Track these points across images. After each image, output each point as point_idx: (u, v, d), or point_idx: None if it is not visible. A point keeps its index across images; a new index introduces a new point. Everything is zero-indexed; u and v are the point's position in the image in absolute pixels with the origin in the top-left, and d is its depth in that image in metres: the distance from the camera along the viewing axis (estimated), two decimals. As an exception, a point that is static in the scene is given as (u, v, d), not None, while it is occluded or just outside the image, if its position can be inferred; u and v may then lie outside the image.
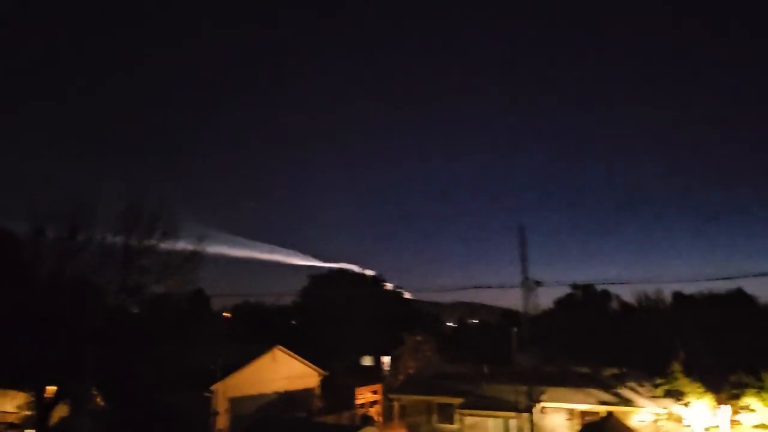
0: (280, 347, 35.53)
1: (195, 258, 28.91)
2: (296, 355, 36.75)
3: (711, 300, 54.97)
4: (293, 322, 63.54)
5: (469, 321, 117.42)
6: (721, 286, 58.11)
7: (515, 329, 35.75)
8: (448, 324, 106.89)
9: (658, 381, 25.66)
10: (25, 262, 28.32)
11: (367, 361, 59.97)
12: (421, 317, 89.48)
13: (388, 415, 35.25)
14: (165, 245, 28.54)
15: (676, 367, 24.90)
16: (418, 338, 42.88)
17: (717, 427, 23.09)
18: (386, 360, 47.28)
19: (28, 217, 26.85)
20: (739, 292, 60.74)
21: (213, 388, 30.38)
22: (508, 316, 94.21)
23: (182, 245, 29.16)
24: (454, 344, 48.20)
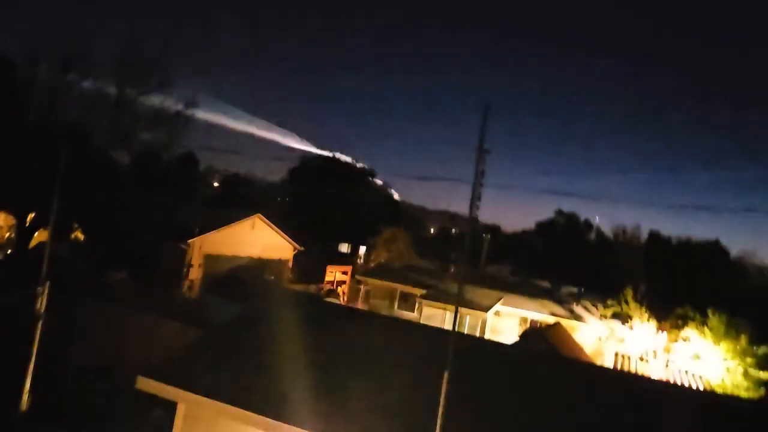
0: (260, 216, 36.51)
1: (186, 113, 29.10)
2: (275, 227, 37.84)
3: (685, 245, 56.37)
4: (278, 199, 64.50)
5: (452, 229, 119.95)
6: (701, 235, 59.48)
7: (488, 236, 36.84)
8: (432, 230, 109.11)
9: (609, 302, 26.91)
10: (19, 88, 28.29)
11: (344, 248, 61.66)
12: (404, 217, 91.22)
13: (353, 295, 36.86)
14: (158, 96, 28.67)
15: (628, 292, 26.05)
16: (394, 231, 44.02)
17: (653, 351, 24.56)
18: (362, 249, 48.78)
19: (23, 44, 26.63)
20: (716, 244, 62.13)
21: (190, 241, 31.49)
22: (489, 230, 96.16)
23: (175, 101, 29.32)
24: (428, 244, 49.57)
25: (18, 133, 25.34)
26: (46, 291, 13.89)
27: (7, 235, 29.75)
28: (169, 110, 28.92)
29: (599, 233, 67.66)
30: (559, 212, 79.94)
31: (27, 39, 26.54)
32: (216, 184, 75.44)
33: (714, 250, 59.32)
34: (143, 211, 28.71)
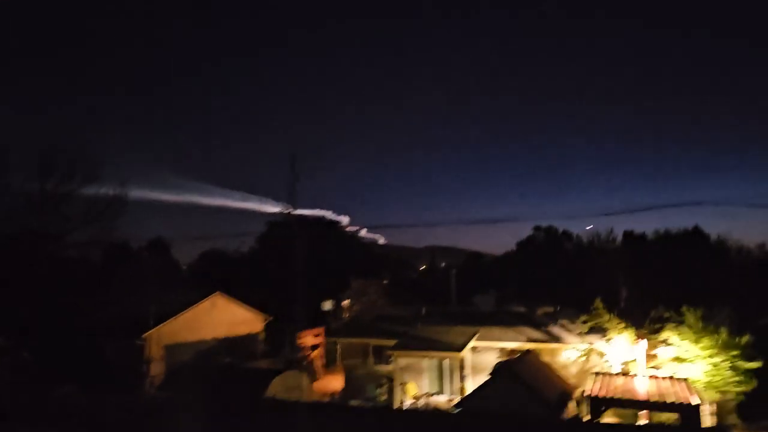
0: (220, 293, 35.21)
1: (118, 203, 28.09)
2: (238, 301, 36.50)
3: (663, 239, 55.63)
4: (250, 269, 62.99)
5: (441, 263, 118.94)
6: (678, 225, 58.82)
7: (454, 271, 35.76)
8: (421, 268, 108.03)
9: (584, 318, 25.75)
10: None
11: (327, 305, 59.92)
12: (388, 262, 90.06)
13: (331, 357, 35.27)
14: (87, 190, 27.73)
15: (598, 303, 24.93)
16: (363, 282, 42.79)
17: (634, 360, 23.30)
18: (328, 304, 47.32)
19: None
20: (695, 231, 61.46)
21: (145, 335, 30.03)
22: (474, 257, 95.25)
23: (108, 192, 28.35)
24: (402, 288, 48.34)
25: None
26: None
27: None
28: (98, 205, 27.93)
29: (579, 242, 66.73)
30: (537, 228, 79.39)
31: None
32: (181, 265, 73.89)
33: (693, 238, 58.72)
34: (86, 311, 27.38)
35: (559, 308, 31.19)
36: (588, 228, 70.56)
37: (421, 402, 27.24)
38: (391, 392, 28.15)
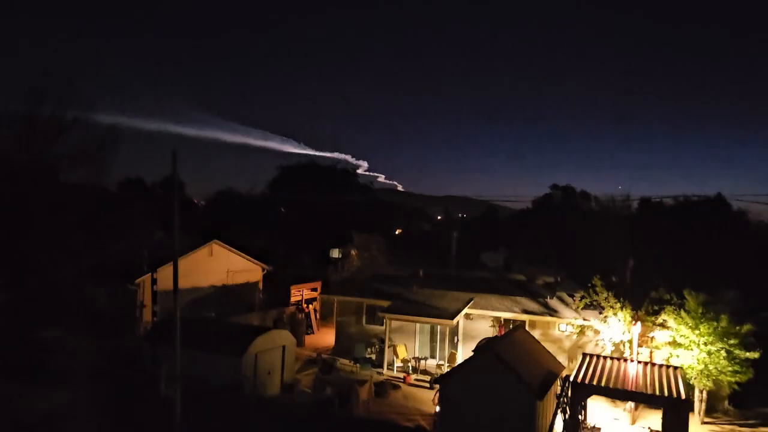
0: (218, 241, 34.88)
1: (110, 145, 27.24)
2: (237, 250, 36.19)
3: (682, 206, 53.79)
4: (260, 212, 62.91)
5: (459, 215, 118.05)
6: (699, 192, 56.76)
7: (455, 234, 34.88)
8: (437, 217, 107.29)
9: (581, 293, 24.87)
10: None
11: (335, 253, 59.81)
12: (402, 211, 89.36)
13: (328, 310, 35.13)
14: (79, 128, 26.82)
15: (596, 281, 23.97)
16: (366, 237, 42.20)
17: (629, 342, 22.51)
18: (336, 252, 46.91)
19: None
20: (717, 199, 59.35)
21: (138, 281, 29.94)
22: (491, 211, 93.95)
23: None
24: (410, 241, 47.69)
25: None
26: None
27: None
28: (91, 145, 27.15)
29: (595, 205, 64.97)
30: (554, 186, 77.61)
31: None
32: (199, 202, 73.98)
33: (714, 205, 56.70)
34: (79, 253, 27.07)
35: (559, 279, 30.28)
36: (619, 188, 68.28)
37: (411, 365, 26.96)
38: (381, 353, 27.86)
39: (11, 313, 24.47)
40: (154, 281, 29.43)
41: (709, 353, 20.84)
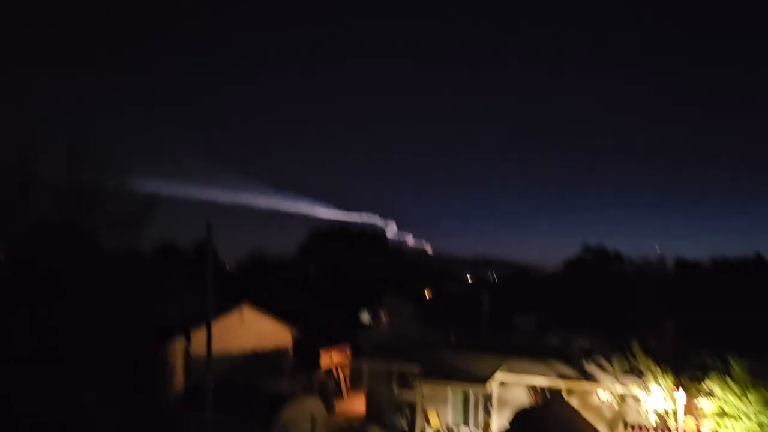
0: (249, 304, 34.89)
1: (152, 209, 27.82)
2: (268, 313, 36.10)
3: (720, 267, 52.43)
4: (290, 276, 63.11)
5: (489, 274, 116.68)
6: (737, 252, 55.30)
7: (486, 295, 34.40)
8: (467, 277, 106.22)
9: (619, 359, 24.06)
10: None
11: (365, 316, 59.33)
12: (432, 272, 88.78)
13: (357, 376, 34.54)
14: (120, 194, 27.52)
15: (635, 346, 23.21)
16: (395, 299, 41.88)
17: (673, 411, 21.54)
18: (365, 315, 46.55)
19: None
20: (757, 259, 57.86)
21: (169, 346, 29.95)
22: (521, 272, 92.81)
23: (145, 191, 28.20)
24: (441, 303, 47.16)
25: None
26: None
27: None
28: (133, 210, 27.80)
29: (629, 266, 63.70)
30: (586, 247, 76.52)
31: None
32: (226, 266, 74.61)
33: (754, 267, 55.14)
34: (111, 318, 27.29)
35: (596, 343, 29.41)
36: (656, 249, 66.99)
37: (444, 434, 26.13)
38: (413, 421, 27.13)
39: (46, 377, 24.63)
40: (188, 346, 29.44)
41: (760, 425, 19.77)
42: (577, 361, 27.53)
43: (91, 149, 26.14)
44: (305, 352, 35.93)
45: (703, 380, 21.78)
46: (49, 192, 26.64)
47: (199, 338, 31.42)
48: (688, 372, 22.19)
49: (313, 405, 23.25)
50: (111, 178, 26.55)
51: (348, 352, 36.49)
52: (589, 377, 25.87)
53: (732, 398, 20.51)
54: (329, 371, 34.25)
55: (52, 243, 26.77)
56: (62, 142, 26.45)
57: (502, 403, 26.81)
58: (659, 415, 22.54)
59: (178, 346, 30.33)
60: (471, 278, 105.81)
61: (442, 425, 26.78)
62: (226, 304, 34.61)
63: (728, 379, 20.91)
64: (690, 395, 21.66)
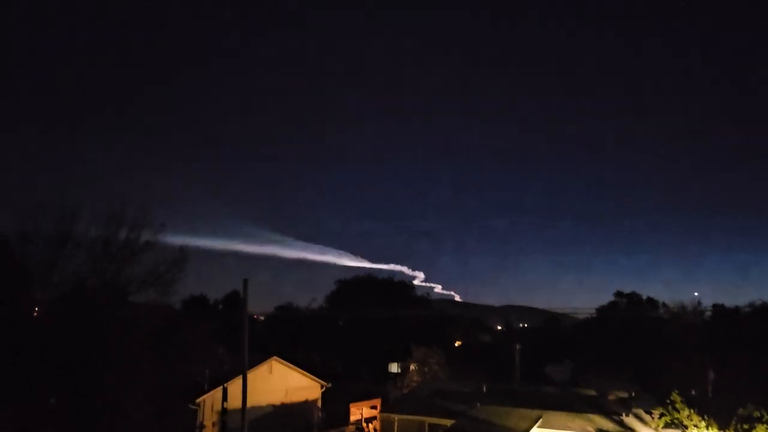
0: (277, 358, 34.71)
1: (182, 263, 28.17)
2: (295, 366, 35.84)
3: (759, 312, 50.67)
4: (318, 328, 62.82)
5: (519, 324, 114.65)
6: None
7: (518, 345, 33.67)
8: (497, 328, 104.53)
9: (659, 411, 23.19)
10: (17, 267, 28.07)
11: (394, 367, 58.54)
12: (460, 322, 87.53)
13: (387, 430, 33.77)
14: (149, 252, 27.98)
15: (676, 397, 22.38)
16: (425, 351, 41.21)
17: (719, 466, 20.57)
18: (394, 366, 45.76)
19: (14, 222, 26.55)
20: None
21: (199, 400, 29.82)
22: (553, 321, 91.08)
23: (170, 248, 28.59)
24: (470, 353, 46.21)
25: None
26: None
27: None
28: (161, 267, 28.17)
29: (664, 312, 61.94)
30: (619, 294, 74.89)
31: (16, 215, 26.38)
32: (259, 318, 74.57)
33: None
34: (138, 374, 27.29)
35: (633, 394, 28.47)
36: (695, 295, 65.04)
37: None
38: (446, 477, 26.32)
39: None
40: (224, 402, 29.11)
41: (813, 479, 18.76)
42: (615, 412, 26.64)
43: (124, 209, 26.89)
44: (334, 405, 35.41)
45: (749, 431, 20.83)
46: (84, 250, 27.23)
47: (229, 391, 31.27)
48: (733, 425, 21.26)
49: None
50: (144, 235, 27.19)
51: (378, 405, 35.84)
52: (628, 431, 24.96)
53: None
54: (359, 425, 33.60)
55: (86, 300, 27.20)
56: (95, 201, 27.09)
57: (538, 458, 25.91)
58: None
59: (206, 400, 30.16)
60: (501, 327, 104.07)
61: (476, 481, 25.90)
62: (255, 356, 34.47)
63: (777, 432, 19.99)
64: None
